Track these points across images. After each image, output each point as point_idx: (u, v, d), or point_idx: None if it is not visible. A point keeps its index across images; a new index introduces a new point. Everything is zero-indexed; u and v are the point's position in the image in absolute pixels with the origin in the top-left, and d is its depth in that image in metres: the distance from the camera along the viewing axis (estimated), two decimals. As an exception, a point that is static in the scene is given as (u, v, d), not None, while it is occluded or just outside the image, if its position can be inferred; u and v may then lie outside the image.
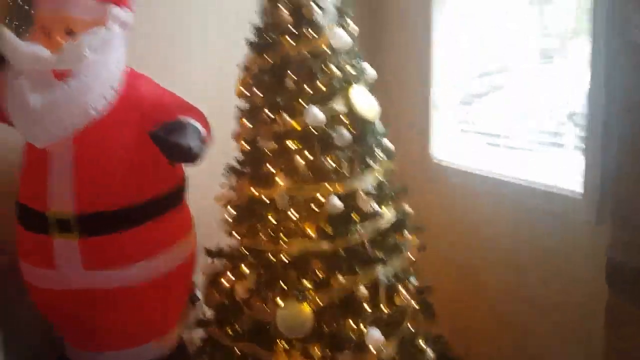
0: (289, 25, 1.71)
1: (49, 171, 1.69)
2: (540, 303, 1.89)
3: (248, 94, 1.80)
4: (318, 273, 1.70)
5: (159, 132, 1.56)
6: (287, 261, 1.71)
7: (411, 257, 1.89)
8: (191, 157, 1.62)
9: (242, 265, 1.81)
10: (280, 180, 1.70)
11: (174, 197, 1.92)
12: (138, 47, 1.90)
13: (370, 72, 1.85)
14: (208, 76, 2.29)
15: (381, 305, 1.73)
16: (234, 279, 1.84)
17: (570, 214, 1.72)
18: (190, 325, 2.08)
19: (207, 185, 1.94)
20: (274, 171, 1.71)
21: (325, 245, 1.68)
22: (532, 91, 1.99)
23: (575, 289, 1.75)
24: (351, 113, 1.73)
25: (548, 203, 1.80)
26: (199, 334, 2.02)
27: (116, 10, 1.70)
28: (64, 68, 1.61)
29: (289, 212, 1.70)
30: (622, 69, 1.48)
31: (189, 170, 2.01)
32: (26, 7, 1.96)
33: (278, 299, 1.69)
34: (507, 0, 2.10)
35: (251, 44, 1.79)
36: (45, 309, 1.90)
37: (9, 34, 1.61)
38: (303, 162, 1.68)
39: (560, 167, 1.81)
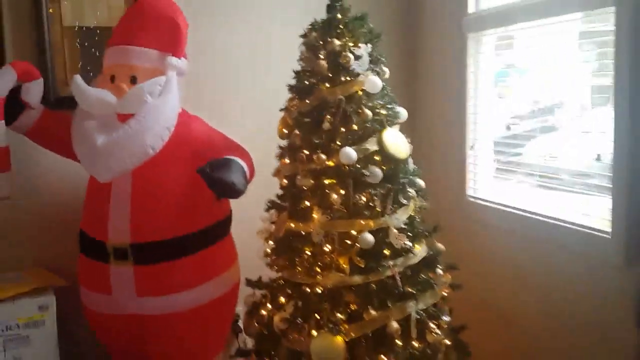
0: (326, 71, 1.85)
1: (109, 203, 1.86)
2: (571, 342, 1.88)
3: (288, 134, 1.94)
4: (351, 306, 1.78)
5: (206, 168, 1.71)
6: (321, 293, 1.81)
7: (444, 293, 1.95)
8: (234, 192, 1.75)
9: (280, 296, 1.92)
10: (316, 215, 1.81)
11: (221, 230, 2.05)
12: (193, 90, 2.09)
13: (403, 114, 1.95)
14: (254, 118, 2.45)
15: (412, 341, 1.78)
16: (272, 309, 1.95)
17: (600, 255, 1.73)
18: (233, 353, 2.19)
19: (250, 220, 2.08)
20: (311, 206, 1.83)
21: (357, 279, 1.76)
22: (567, 133, 2.04)
23: (605, 331, 1.74)
24: (383, 153, 1.84)
25: (579, 243, 1.81)
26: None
27: (174, 59, 1.88)
28: (127, 112, 1.81)
29: (324, 246, 1.80)
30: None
31: (234, 204, 2.16)
32: (96, 52, 2.21)
33: (313, 331, 1.78)
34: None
35: (292, 88, 1.94)
36: (99, 331, 2.05)
37: (80, 81, 1.83)
38: (338, 199, 1.79)
39: (591, 207, 1.83)
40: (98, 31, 2.25)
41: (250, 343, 2.16)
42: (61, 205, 2.22)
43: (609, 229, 1.69)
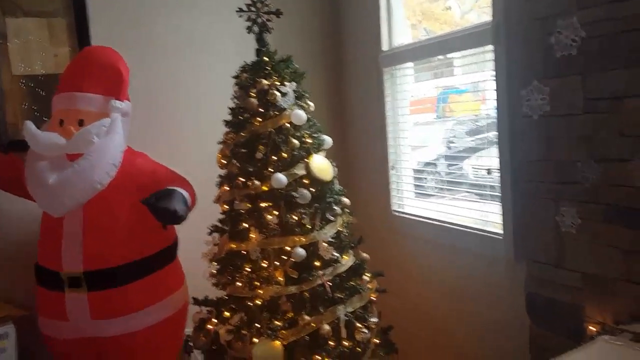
0: (257, 108, 2.10)
1: (62, 236, 2.02)
2: (480, 333, 2.17)
3: (226, 164, 2.17)
4: (288, 313, 2.01)
5: (150, 199, 1.91)
6: (261, 304, 2.03)
7: (372, 298, 2.20)
8: (177, 219, 1.95)
9: (225, 311, 2.12)
10: (253, 235, 2.04)
11: (168, 255, 2.24)
12: (138, 129, 2.29)
13: (328, 141, 2.22)
14: (195, 151, 2.67)
15: (343, 341, 2.02)
16: (218, 323, 2.15)
17: (496, 254, 2.04)
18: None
19: (196, 244, 2.28)
20: (248, 227, 2.06)
21: (292, 289, 1.99)
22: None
23: (503, 318, 2.04)
24: (311, 176, 2.09)
25: (479, 245, 2.12)
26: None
27: (117, 102, 2.08)
28: (76, 152, 1.99)
29: (261, 262, 2.03)
30: (521, 138, 1.84)
31: (180, 230, 2.36)
32: (45, 97, 2.38)
33: (254, 338, 1.99)
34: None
35: (228, 123, 2.18)
36: (58, 357, 2.19)
37: (31, 125, 1.99)
38: (272, 219, 2.02)
39: (487, 215, 2.15)
40: (44, 78, 2.43)
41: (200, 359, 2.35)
42: (17, 242, 2.36)
43: (501, 231, 2.00)
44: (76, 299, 2.02)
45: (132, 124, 2.20)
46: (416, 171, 2.68)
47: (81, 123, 2.01)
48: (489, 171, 2.06)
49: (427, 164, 2.68)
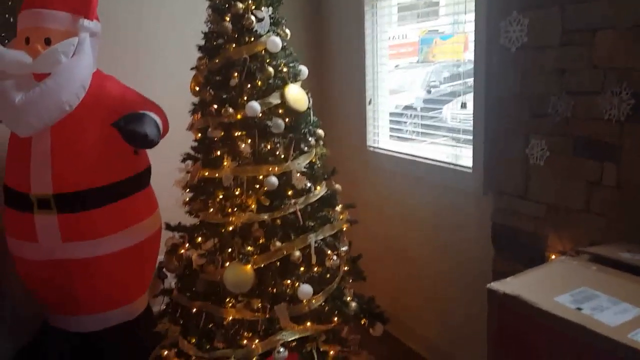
0: (231, 33, 2.04)
1: (30, 158, 1.99)
2: (446, 262, 2.25)
3: (200, 91, 2.13)
4: (260, 240, 2.04)
5: (120, 122, 1.88)
6: (233, 230, 2.05)
7: (343, 228, 2.24)
8: (147, 142, 1.93)
9: (197, 236, 2.14)
10: (226, 163, 2.03)
11: (139, 181, 2.24)
12: (108, 52, 2.22)
13: (304, 71, 2.18)
14: (168, 77, 2.61)
15: (313, 267, 2.07)
16: (190, 248, 2.18)
17: (465, 187, 2.08)
18: (157, 294, 2.40)
19: (170, 172, 2.27)
20: (221, 155, 2.04)
21: (264, 216, 2.01)
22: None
23: (470, 248, 2.11)
24: (285, 106, 2.07)
25: (450, 179, 2.16)
26: (164, 300, 2.34)
27: (86, 21, 2.00)
28: (43, 71, 1.93)
29: (234, 190, 2.03)
30: (497, 71, 1.84)
31: (154, 158, 2.34)
32: (10, 18, 2.28)
33: (226, 263, 2.02)
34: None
35: (201, 48, 2.12)
36: (29, 278, 2.20)
37: (-6, 43, 1.93)
38: (246, 147, 2.01)
39: (462, 150, 2.17)
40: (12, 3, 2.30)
41: (172, 283, 2.38)
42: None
43: (470, 165, 2.03)
44: (46, 221, 2.02)
45: (101, 45, 2.12)
46: (394, 114, 2.67)
47: (48, 42, 1.95)
48: (463, 104, 2.06)
49: (406, 107, 2.67)
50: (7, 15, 2.29)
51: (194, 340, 2.04)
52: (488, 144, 1.93)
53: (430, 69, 2.62)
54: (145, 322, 2.33)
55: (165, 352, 2.13)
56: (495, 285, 1.19)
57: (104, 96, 2.07)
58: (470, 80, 2.06)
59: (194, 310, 2.10)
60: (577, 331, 1.01)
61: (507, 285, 1.18)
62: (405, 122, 2.61)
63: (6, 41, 2.19)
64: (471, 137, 2.02)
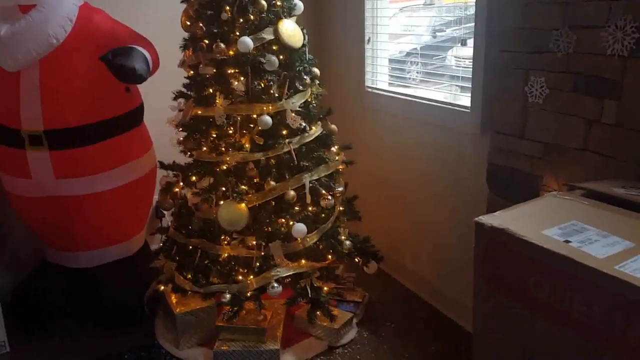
0: (223, -36, 1.95)
1: (20, 93, 1.95)
2: (443, 202, 2.24)
3: (191, 26, 2.06)
4: (254, 179, 2.03)
5: (107, 55, 1.83)
6: (227, 169, 2.03)
7: (339, 169, 2.23)
8: (136, 77, 1.88)
9: (191, 175, 2.13)
10: (219, 101, 1.99)
11: (132, 119, 2.20)
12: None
13: (300, 6, 2.10)
14: (156, 10, 2.52)
15: (308, 206, 2.07)
16: (184, 186, 2.17)
17: (463, 127, 2.04)
18: (154, 232, 2.42)
19: (162, 110, 2.23)
20: (214, 93, 2.00)
21: (258, 155, 2.00)
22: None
23: (465, 187, 2.10)
24: (279, 42, 2.01)
25: (448, 119, 2.12)
26: (161, 236, 2.36)
27: (71, -50, 1.93)
28: (27, 3, 1.86)
29: (228, 128, 2.01)
30: (498, 3, 1.76)
31: (146, 97, 2.30)
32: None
33: (220, 201, 2.02)
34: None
35: (191, -19, 2.04)
36: (25, 214, 2.22)
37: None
38: (239, 85, 1.97)
39: (457, 90, 2.12)
40: None
41: (168, 221, 2.40)
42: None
43: (468, 104, 1.99)
44: (38, 157, 2.01)
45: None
46: (396, 61, 2.59)
47: (31, -30, 1.86)
48: (463, 42, 1.99)
49: (409, 53, 2.59)
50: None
51: (189, 276, 2.07)
52: (487, 82, 1.87)
53: (435, 12, 2.53)
54: (143, 259, 2.36)
55: (162, 287, 2.17)
56: (484, 219, 1.18)
57: (93, 30, 2.00)
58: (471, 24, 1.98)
59: (190, 247, 2.13)
60: (564, 263, 1.01)
61: (495, 219, 1.17)
62: (408, 70, 2.54)
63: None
64: (471, 77, 1.97)
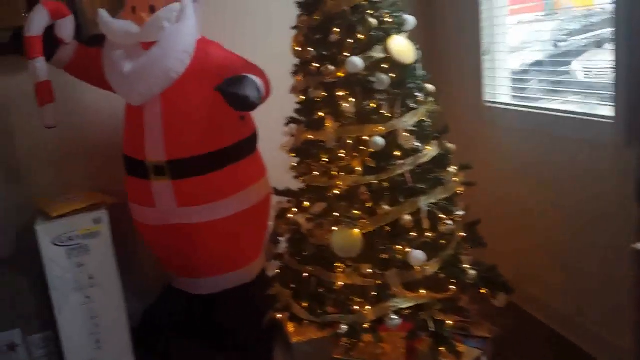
0: (330, -16, 1.92)
1: (144, 126, 2.07)
2: (578, 223, 1.98)
3: (300, 51, 2.05)
4: (366, 203, 1.94)
5: (221, 85, 1.86)
6: (339, 194, 1.97)
7: (458, 191, 2.06)
8: (248, 105, 1.90)
9: (304, 200, 2.10)
10: (329, 124, 1.94)
11: (247, 146, 2.24)
12: (208, 16, 2.22)
13: (411, 21, 2.01)
14: (269, 38, 2.57)
15: (425, 232, 1.93)
16: (298, 212, 2.14)
17: (603, 139, 1.79)
18: (270, 258, 2.42)
19: (276, 137, 2.24)
20: (324, 116, 1.96)
21: (370, 179, 1.91)
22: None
23: (608, 209, 1.83)
24: (390, 60, 1.92)
25: (584, 131, 1.88)
26: (277, 264, 2.35)
27: (187, -13, 2.01)
28: (149, 40, 1.97)
29: (338, 152, 1.95)
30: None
31: (259, 124, 2.33)
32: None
33: (333, 227, 1.96)
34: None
35: (299, 5, 2.03)
36: (150, 242, 2.33)
37: (105, 14, 1.99)
38: (349, 107, 1.90)
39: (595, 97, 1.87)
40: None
41: (284, 247, 2.38)
42: (107, 132, 2.46)
43: (612, 114, 1.74)
44: (162, 187, 2.09)
45: (204, 11, 2.12)
46: (518, 73, 2.39)
47: (152, 10, 1.98)
48: (597, 44, 1.76)
49: (531, 65, 2.37)
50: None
51: (305, 305, 2.03)
52: (632, 89, 1.62)
53: (556, 22, 2.30)
54: (261, 286, 2.36)
55: (279, 316, 2.15)
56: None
57: (209, 62, 2.07)
58: (603, 31, 1.74)
59: (305, 274, 2.09)
60: None
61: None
62: (531, 82, 2.32)
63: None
64: (612, 84, 1.73)
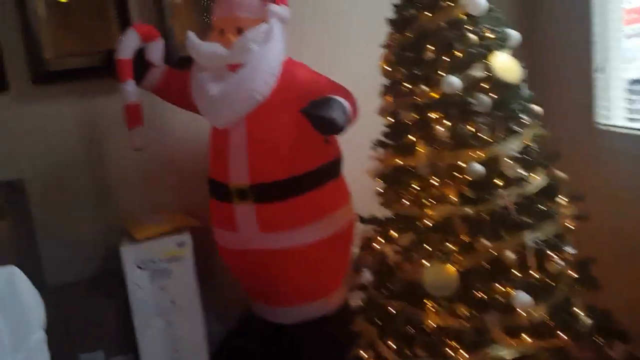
0: (425, -1, 1.79)
1: (229, 149, 2.03)
2: None
3: (391, 71, 1.92)
4: (462, 237, 1.75)
5: (307, 108, 1.78)
6: (431, 225, 1.80)
7: (569, 225, 1.83)
8: (334, 128, 1.80)
9: (391, 230, 1.94)
10: (421, 149, 1.79)
11: (331, 170, 2.14)
12: (293, 36, 2.15)
13: (515, 37, 1.83)
14: (357, 57, 2.46)
15: (530, 271, 1.71)
16: (385, 243, 1.99)
17: None
18: (354, 289, 2.29)
19: (361, 161, 2.12)
20: (415, 140, 1.81)
21: (468, 210, 1.73)
22: None
23: None
24: (491, 79, 1.74)
25: None
26: (360, 296, 2.22)
27: (275, 7, 1.96)
28: (236, 62, 1.93)
29: (431, 179, 1.78)
30: None
31: (344, 147, 2.22)
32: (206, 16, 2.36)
33: (424, 261, 1.79)
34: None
35: (391, 22, 1.91)
36: (232, 267, 2.28)
37: (194, 36, 1.99)
38: (443, 131, 1.74)
39: None
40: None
41: (368, 278, 2.24)
42: (192, 155, 2.46)
43: None
44: (245, 211, 2.04)
45: (288, 31, 2.06)
46: (635, 91, 2.12)
47: (240, 31, 1.94)
48: None
49: None
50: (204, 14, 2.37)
51: (392, 344, 1.86)
52: None
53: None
54: (342, 318, 2.23)
55: (363, 354, 2.00)
56: None
57: (294, 84, 2.01)
58: None
59: (391, 310, 1.94)
60: None
61: None
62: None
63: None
64: None
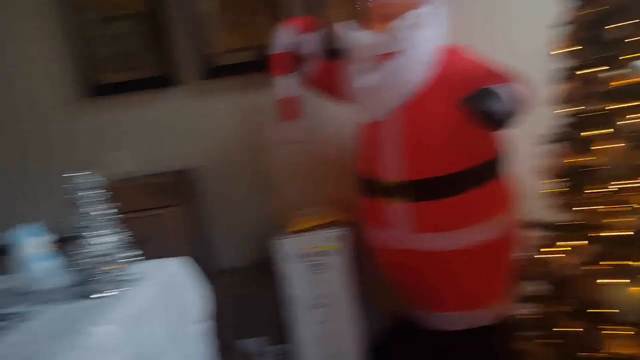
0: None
1: (381, 143, 1.95)
2: None
3: (567, 53, 1.65)
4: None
5: (465, 99, 1.62)
6: (618, 237, 1.52)
7: None
8: (495, 122, 1.61)
9: (565, 239, 1.69)
10: (604, 145, 1.51)
11: (494, 168, 1.95)
12: (458, 21, 1.97)
13: None
14: (526, 38, 2.19)
15: None
16: (557, 253, 1.75)
17: None
18: (516, 302, 2.06)
19: (529, 159, 1.87)
20: (596, 135, 1.54)
21: (664, 222, 1.42)
22: None
23: None
24: None
25: None
26: (525, 309, 1.99)
27: (428, -9, 1.82)
28: (387, 51, 1.84)
29: (616, 182, 1.50)
30: None
31: (511, 142, 2.00)
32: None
33: (609, 279, 1.52)
34: None
35: (572, -4, 1.63)
36: (384, 266, 2.19)
37: (346, 27, 1.94)
38: (633, 124, 1.45)
39: None
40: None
41: (535, 289, 2.00)
42: (347, 150, 2.41)
43: None
44: (397, 209, 1.94)
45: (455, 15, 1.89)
46: None
47: (391, 19, 1.84)
48: None
49: None
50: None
51: (560, 368, 1.64)
52: None
53: None
54: (503, 332, 2.02)
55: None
56: None
57: (454, 72, 1.85)
58: None
59: (562, 330, 1.69)
60: None
61: None
62: None
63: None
64: None
